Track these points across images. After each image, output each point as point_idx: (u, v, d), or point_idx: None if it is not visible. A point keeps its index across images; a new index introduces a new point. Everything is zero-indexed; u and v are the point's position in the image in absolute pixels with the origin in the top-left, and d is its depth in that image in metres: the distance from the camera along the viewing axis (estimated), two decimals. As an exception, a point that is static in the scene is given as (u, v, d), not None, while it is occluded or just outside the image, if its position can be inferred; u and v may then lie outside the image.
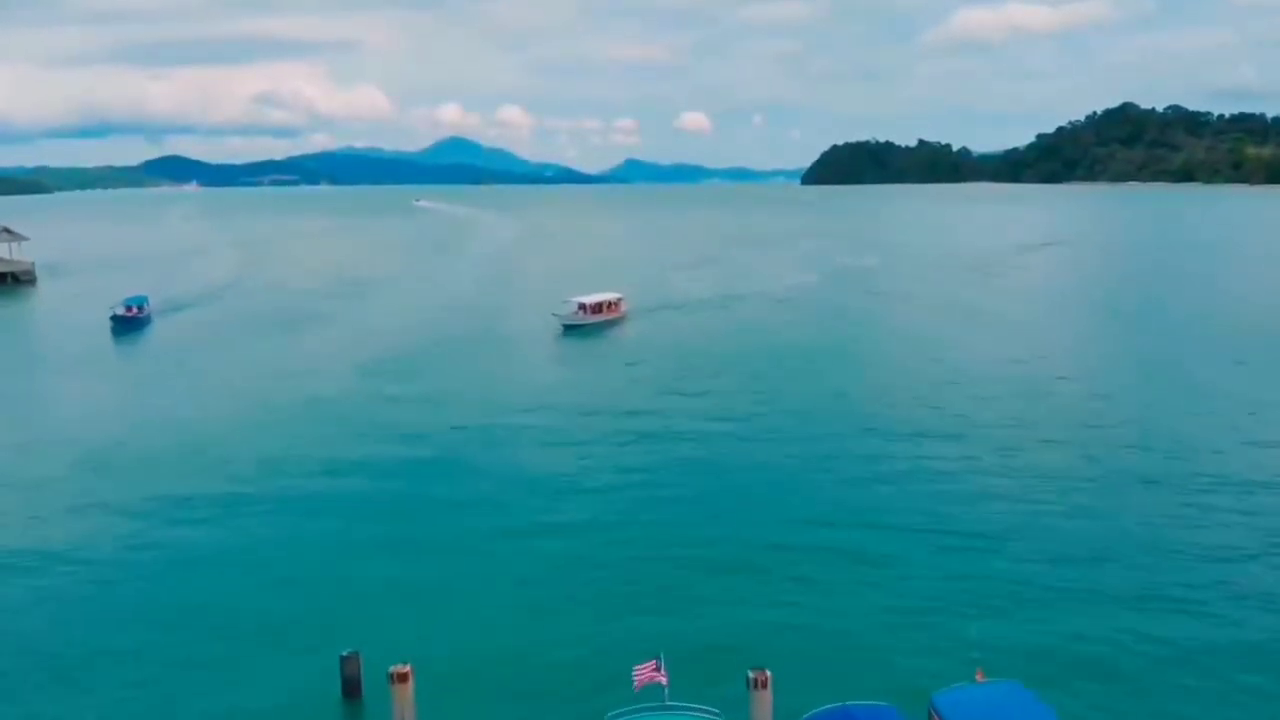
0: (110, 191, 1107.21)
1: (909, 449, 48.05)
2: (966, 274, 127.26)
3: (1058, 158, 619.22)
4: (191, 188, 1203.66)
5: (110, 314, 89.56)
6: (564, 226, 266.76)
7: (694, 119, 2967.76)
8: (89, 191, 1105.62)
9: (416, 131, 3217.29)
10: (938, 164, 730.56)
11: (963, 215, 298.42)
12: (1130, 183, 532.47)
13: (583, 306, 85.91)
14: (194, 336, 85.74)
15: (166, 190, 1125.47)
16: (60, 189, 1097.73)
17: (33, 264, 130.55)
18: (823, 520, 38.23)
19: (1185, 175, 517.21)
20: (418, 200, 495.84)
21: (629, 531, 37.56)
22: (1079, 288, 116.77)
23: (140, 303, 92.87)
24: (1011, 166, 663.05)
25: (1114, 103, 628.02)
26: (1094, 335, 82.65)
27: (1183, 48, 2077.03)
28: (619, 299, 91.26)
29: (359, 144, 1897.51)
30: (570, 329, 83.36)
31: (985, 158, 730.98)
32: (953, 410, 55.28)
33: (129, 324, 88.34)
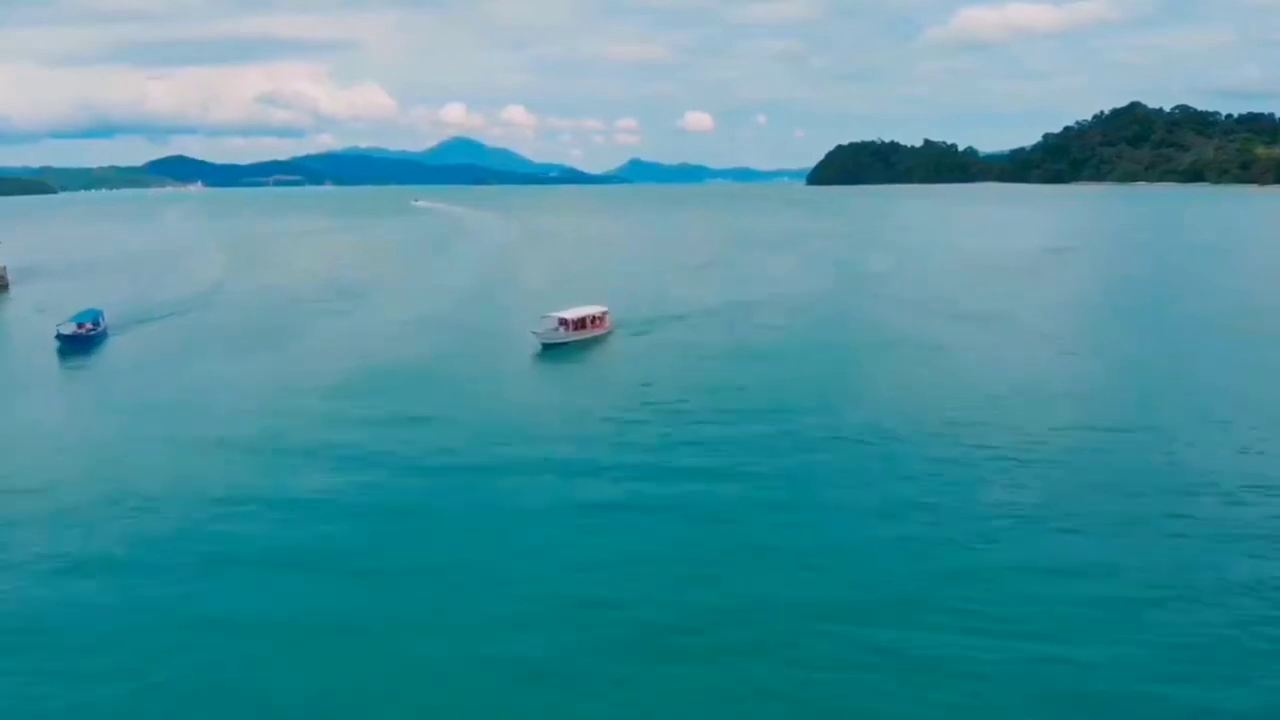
0: (114, 192, 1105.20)
1: (959, 499, 40.53)
2: (987, 278, 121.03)
3: (1065, 157, 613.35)
4: (196, 188, 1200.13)
5: (56, 332, 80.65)
6: (562, 228, 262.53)
7: (697, 119, 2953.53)
8: (93, 192, 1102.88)
9: (420, 132, 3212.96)
10: (944, 164, 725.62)
11: (973, 216, 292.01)
12: (1138, 183, 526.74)
13: (563, 322, 78.20)
14: (150, 356, 76.60)
15: (171, 190, 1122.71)
16: (66, 189, 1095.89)
17: (3, 268, 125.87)
18: (852, 601, 31.74)
19: (1194, 175, 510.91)
20: (416, 200, 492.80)
21: (606, 619, 30.89)
22: (1108, 293, 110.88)
23: (94, 318, 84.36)
24: (1018, 166, 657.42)
25: (1120, 102, 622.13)
26: (1137, 349, 75.16)
27: (1187, 47, 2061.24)
28: (604, 312, 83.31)
29: (363, 144, 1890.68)
30: (549, 348, 75.88)
31: (992, 157, 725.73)
32: (996, 437, 49.23)
33: (78, 343, 79.32)
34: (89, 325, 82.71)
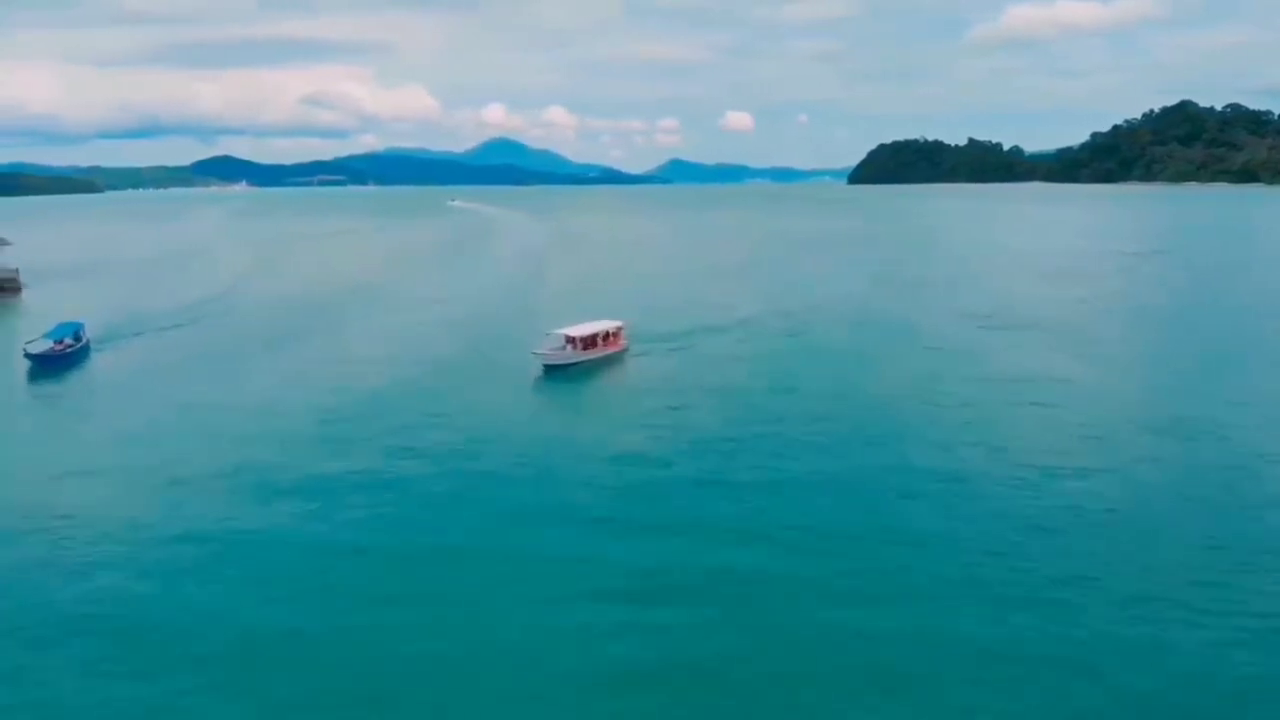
0: (159, 191, 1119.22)
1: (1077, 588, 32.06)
2: (1054, 286, 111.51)
3: (1114, 157, 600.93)
4: (241, 187, 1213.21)
5: (24, 351, 71.29)
6: (594, 229, 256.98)
7: (737, 118, 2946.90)
8: (139, 191, 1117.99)
9: (462, 132, 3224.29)
10: (988, 163, 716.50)
11: (1024, 216, 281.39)
12: (1190, 183, 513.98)
13: (570, 340, 69.06)
14: (130, 375, 68.36)
15: (215, 190, 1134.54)
16: (112, 189, 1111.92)
17: (16, 271, 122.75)
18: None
19: (1247, 175, 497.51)
20: (452, 201, 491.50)
21: None
22: (1194, 307, 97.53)
23: (73, 332, 75.30)
24: (1065, 166, 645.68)
25: (1168, 100, 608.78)
26: (1243, 374, 65.19)
27: (1237, 45, 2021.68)
28: (619, 328, 73.87)
29: (406, 144, 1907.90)
30: (553, 370, 66.88)
31: (1038, 157, 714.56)
32: (1095, 480, 41.84)
33: (51, 363, 70.06)
34: (67, 341, 73.93)
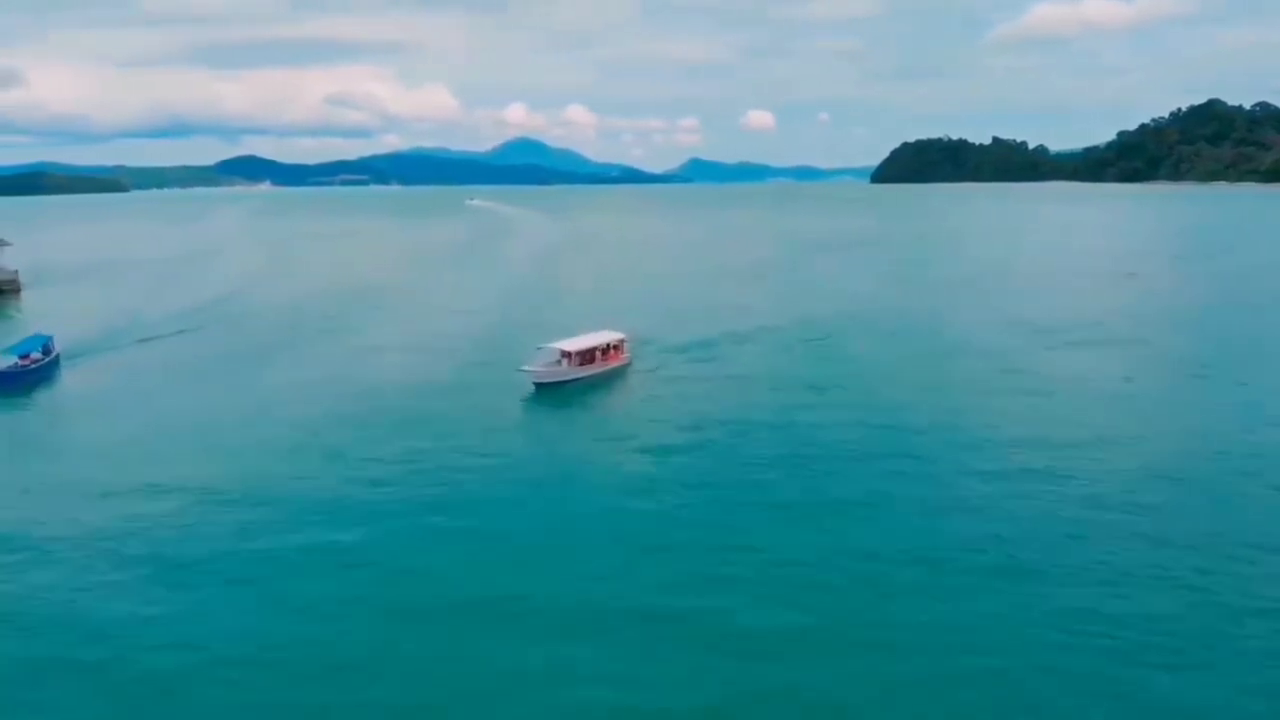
0: (183, 190, 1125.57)
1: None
2: (1098, 290, 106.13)
3: (1140, 156, 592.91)
4: (265, 187, 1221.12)
5: None
6: (610, 229, 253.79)
7: (757, 117, 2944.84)
8: (164, 190, 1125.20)
9: (484, 132, 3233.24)
10: (1013, 162, 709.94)
11: (1055, 216, 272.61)
12: (1218, 183, 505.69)
13: (565, 355, 62.90)
14: (104, 389, 64.20)
15: (239, 190, 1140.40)
16: (138, 188, 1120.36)
17: (16, 272, 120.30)
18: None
19: (1276, 175, 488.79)
20: (470, 200, 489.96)
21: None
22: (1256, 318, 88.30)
23: (40, 345, 68.67)
24: (1091, 165, 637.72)
25: (1196, 99, 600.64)
26: None
27: (1265, 42, 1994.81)
28: (621, 340, 67.60)
29: (428, 144, 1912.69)
30: (544, 388, 60.50)
31: (1063, 156, 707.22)
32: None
33: (10, 382, 63.49)
34: (34, 356, 67.28)
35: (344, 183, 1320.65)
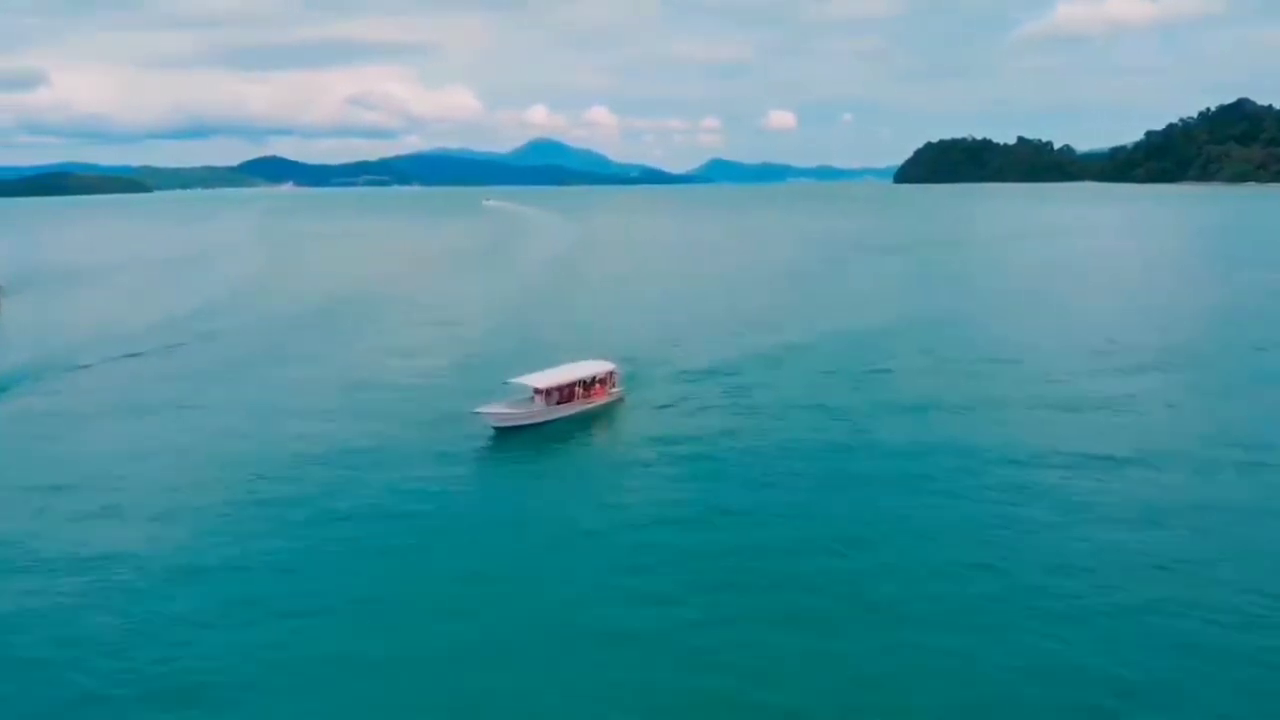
0: (206, 191, 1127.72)
1: None
2: (1163, 303, 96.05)
3: (1169, 156, 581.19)
4: (288, 187, 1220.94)
5: None
6: (627, 230, 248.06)
7: (779, 117, 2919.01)
8: (186, 191, 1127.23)
9: (506, 133, 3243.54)
10: (1039, 162, 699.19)
11: (1094, 218, 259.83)
12: (1249, 183, 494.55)
13: (539, 392, 52.54)
14: (29, 425, 55.64)
15: (262, 190, 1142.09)
16: (162, 188, 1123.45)
17: None
18: None
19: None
20: (486, 200, 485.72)
21: None
22: None
23: None
24: (1119, 165, 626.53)
25: (1224, 98, 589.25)
26: None
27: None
28: (608, 372, 56.84)
29: (450, 145, 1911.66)
30: (508, 434, 50.03)
31: (1090, 156, 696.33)
32: None
33: None
34: None
35: (366, 183, 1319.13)
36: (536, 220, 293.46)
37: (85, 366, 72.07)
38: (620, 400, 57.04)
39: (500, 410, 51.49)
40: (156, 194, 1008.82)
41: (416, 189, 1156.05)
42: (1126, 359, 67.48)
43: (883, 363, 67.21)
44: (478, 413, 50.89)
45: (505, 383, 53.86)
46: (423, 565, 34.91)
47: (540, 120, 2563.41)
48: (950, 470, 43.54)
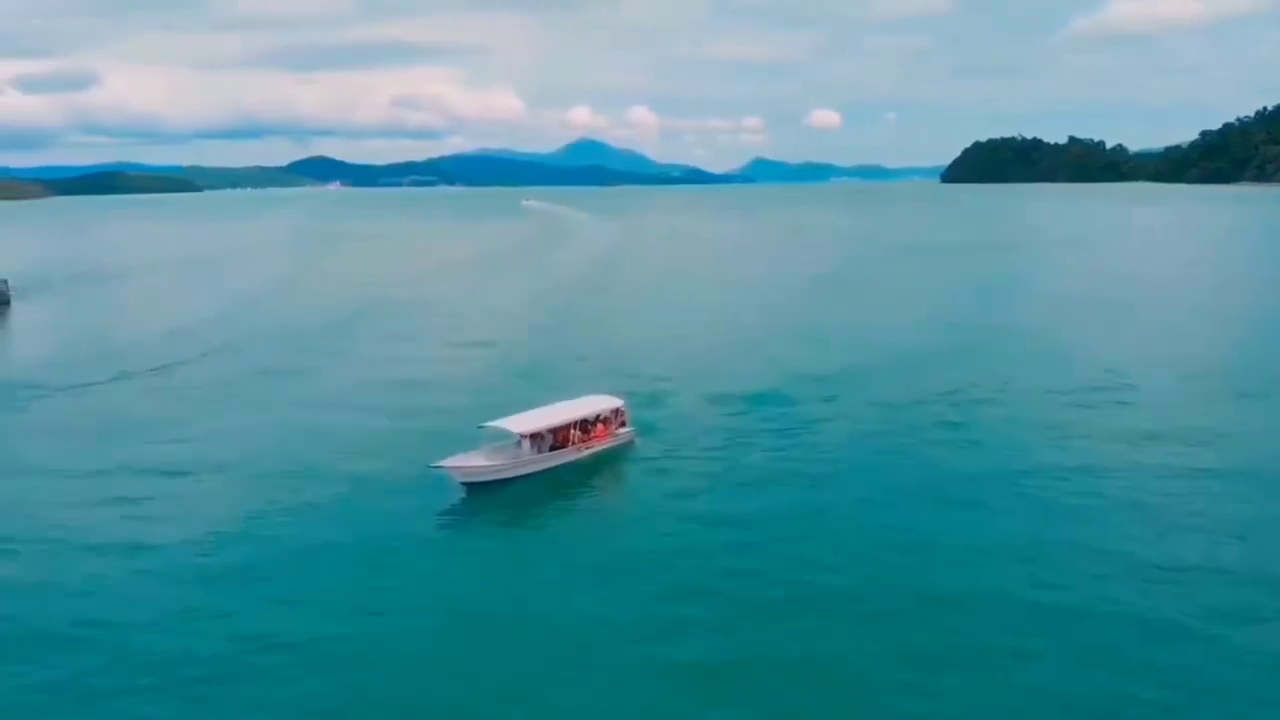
0: (253, 190, 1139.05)
1: None
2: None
3: (1224, 156, 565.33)
4: (334, 187, 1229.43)
5: None
6: (665, 232, 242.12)
7: (822, 116, 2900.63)
8: (234, 190, 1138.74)
9: (549, 133, 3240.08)
10: (1090, 162, 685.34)
11: (1156, 219, 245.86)
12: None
13: (525, 437, 42.80)
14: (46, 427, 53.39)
15: (309, 190, 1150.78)
16: (211, 188, 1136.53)
17: (5, 282, 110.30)
18: None
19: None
20: (525, 200, 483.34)
21: None
22: None
23: None
24: (1172, 166, 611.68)
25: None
26: None
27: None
28: (614, 410, 47.11)
29: (494, 145, 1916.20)
30: (480, 490, 40.52)
31: (1143, 156, 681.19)
32: None
33: None
34: None
35: (411, 183, 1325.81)
36: (573, 221, 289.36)
37: (60, 388, 64.41)
38: (630, 443, 47.13)
39: (471, 463, 41.29)
40: (206, 194, 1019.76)
41: (460, 189, 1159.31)
42: (1225, 383, 59.12)
43: (952, 392, 56.52)
44: (440, 467, 40.43)
45: (482, 426, 43.43)
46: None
47: (583, 121, 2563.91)
48: (1046, 543, 34.38)
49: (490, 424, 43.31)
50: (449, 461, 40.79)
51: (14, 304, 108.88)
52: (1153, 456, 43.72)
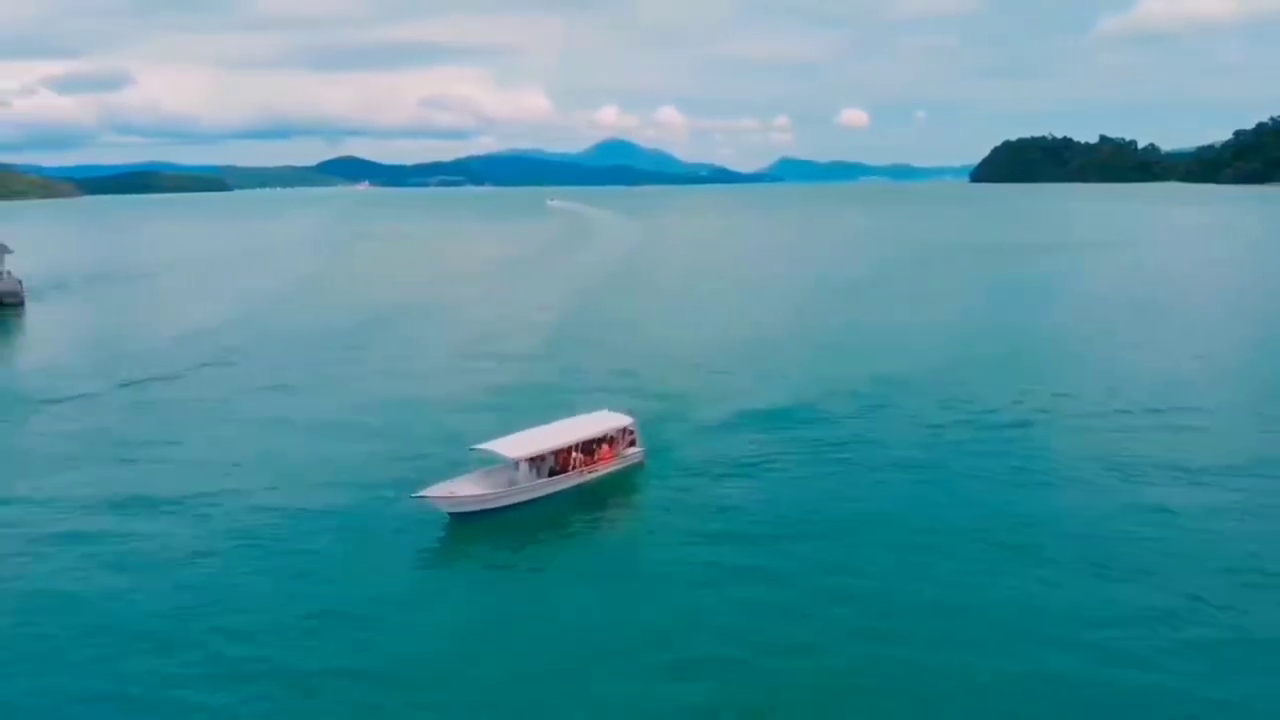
0: (284, 190, 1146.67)
1: None
2: None
3: (1259, 156, 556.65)
4: (363, 187, 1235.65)
5: None
6: (690, 232, 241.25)
7: (850, 115, 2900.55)
8: (265, 190, 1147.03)
9: (577, 133, 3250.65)
10: (1122, 161, 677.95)
11: (1193, 220, 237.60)
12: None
13: (524, 461, 39.43)
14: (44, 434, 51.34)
15: (338, 189, 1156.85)
16: (241, 188, 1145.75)
17: (20, 283, 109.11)
18: None
19: None
20: (551, 200, 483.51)
21: None
22: None
23: None
24: (1205, 166, 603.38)
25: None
26: None
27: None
28: (622, 428, 43.12)
29: (522, 145, 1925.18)
30: (468, 520, 36.82)
31: (1175, 155, 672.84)
32: None
33: None
34: None
35: (440, 183, 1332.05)
36: (597, 221, 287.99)
37: (54, 399, 60.74)
38: (640, 464, 43.27)
39: (458, 492, 37.45)
40: (236, 193, 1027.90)
41: (488, 189, 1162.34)
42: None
43: (995, 409, 51.82)
44: (423, 496, 36.62)
45: (473, 449, 39.98)
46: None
47: (611, 121, 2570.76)
48: (1113, 603, 29.97)
49: (482, 446, 39.64)
50: (432, 490, 37.12)
51: (29, 305, 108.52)
52: (1221, 496, 38.74)
